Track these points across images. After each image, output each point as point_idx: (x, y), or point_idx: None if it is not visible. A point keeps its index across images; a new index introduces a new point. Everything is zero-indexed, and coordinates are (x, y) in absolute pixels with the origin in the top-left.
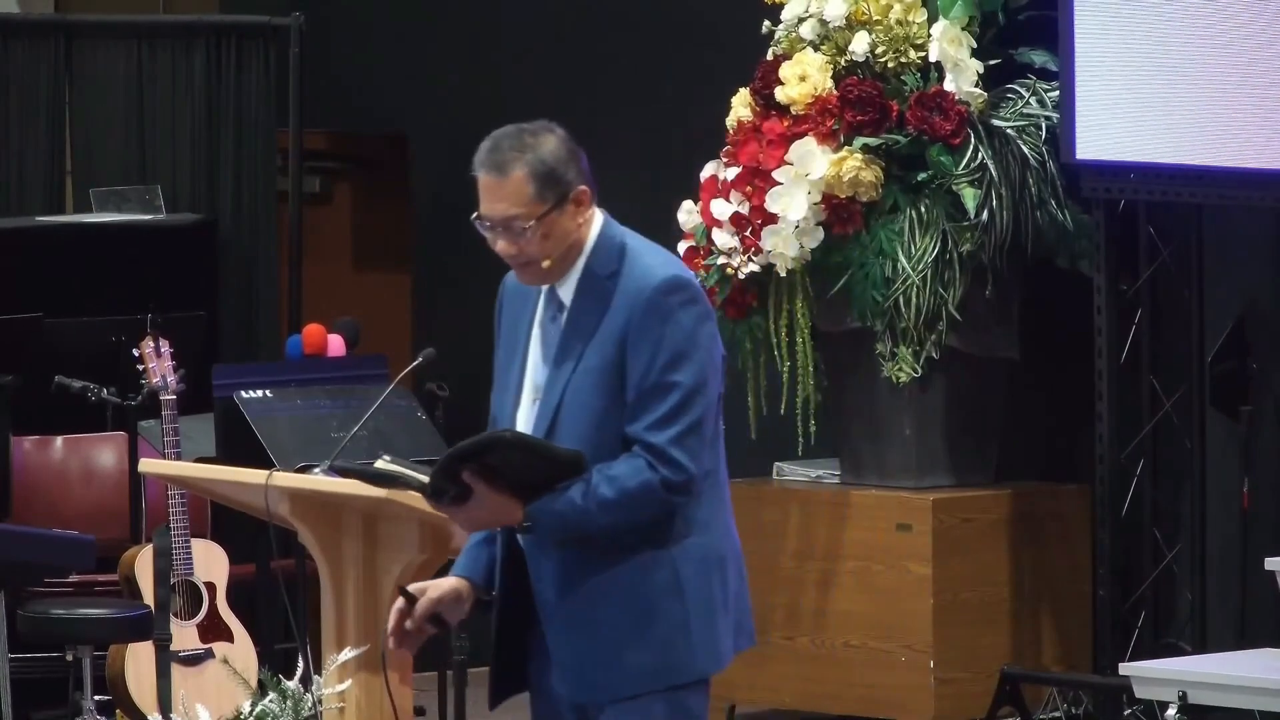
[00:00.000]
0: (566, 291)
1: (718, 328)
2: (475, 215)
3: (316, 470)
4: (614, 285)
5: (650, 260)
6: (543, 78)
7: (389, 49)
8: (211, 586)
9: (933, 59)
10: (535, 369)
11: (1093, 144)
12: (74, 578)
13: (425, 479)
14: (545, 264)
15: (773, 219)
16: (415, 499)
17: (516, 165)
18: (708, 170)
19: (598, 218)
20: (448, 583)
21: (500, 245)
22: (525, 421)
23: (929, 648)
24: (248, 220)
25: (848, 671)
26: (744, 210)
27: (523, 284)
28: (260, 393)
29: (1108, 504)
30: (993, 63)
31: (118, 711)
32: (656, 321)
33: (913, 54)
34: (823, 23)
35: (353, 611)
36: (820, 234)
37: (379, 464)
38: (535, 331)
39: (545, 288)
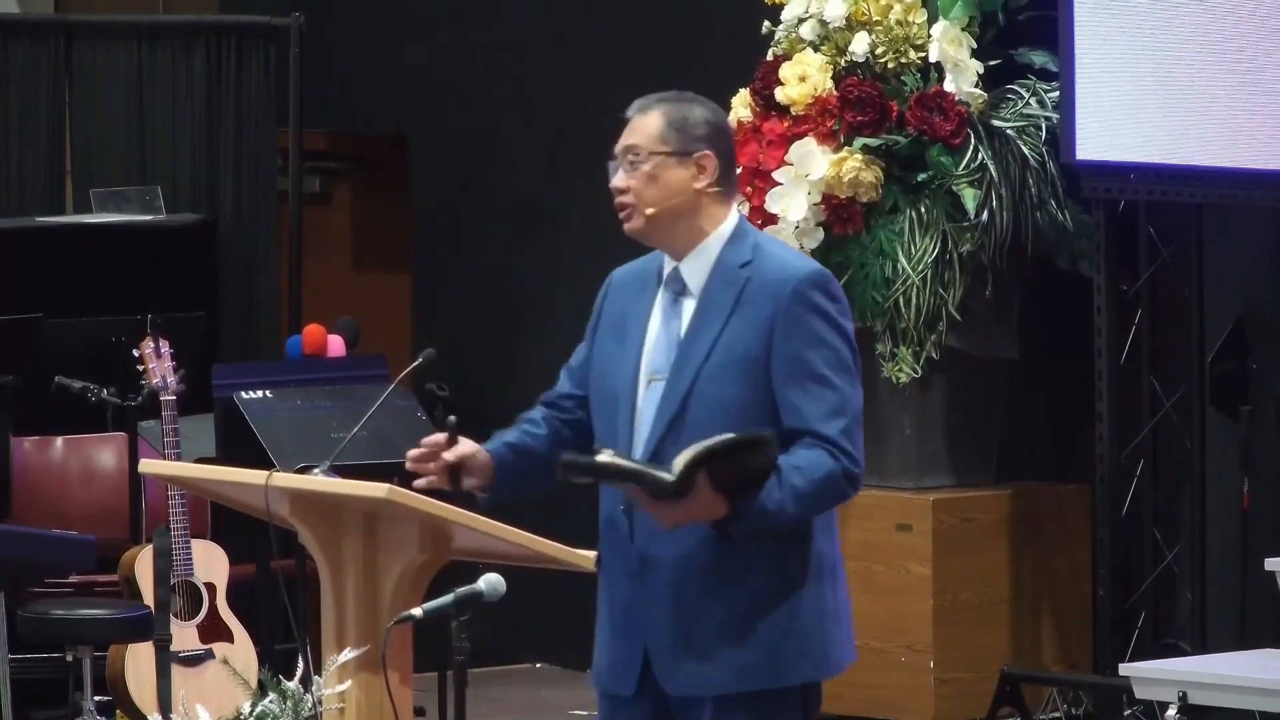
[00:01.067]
0: (694, 278)
1: None
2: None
3: (316, 470)
4: (747, 275)
5: (786, 255)
6: (543, 78)
7: (389, 49)
8: (211, 587)
9: (933, 59)
10: (654, 353)
11: (1093, 144)
12: (74, 578)
13: (667, 476)
14: (649, 210)
15: (773, 219)
16: (414, 498)
17: (657, 108)
18: None
19: (734, 214)
20: (483, 451)
21: (614, 180)
22: (646, 404)
23: (929, 648)
24: (248, 220)
25: (848, 671)
26: (744, 211)
27: (626, 231)
28: (260, 393)
29: (1108, 504)
30: (993, 63)
31: (118, 712)
32: (807, 313)
33: (913, 54)
34: (823, 23)
35: (353, 611)
36: (820, 234)
37: (601, 458)
38: (655, 315)
39: (667, 272)
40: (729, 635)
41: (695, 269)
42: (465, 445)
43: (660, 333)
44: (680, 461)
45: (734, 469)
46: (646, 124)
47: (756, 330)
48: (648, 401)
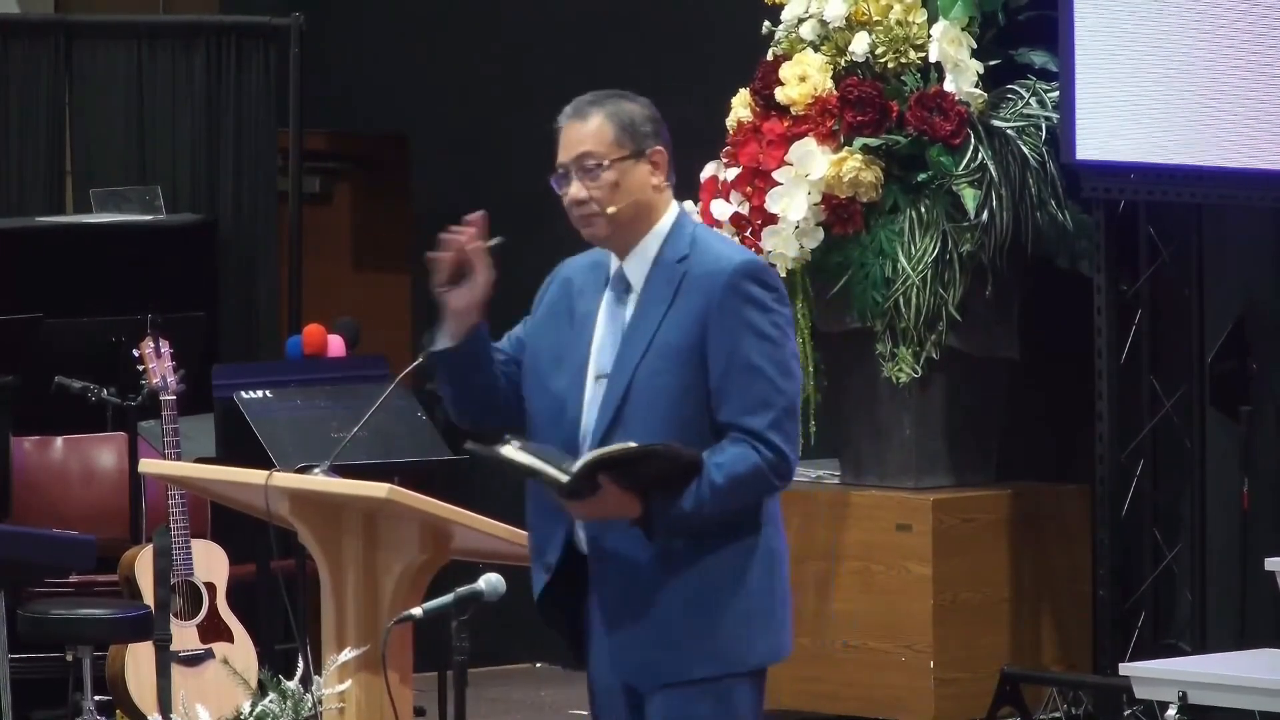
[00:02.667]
0: (636, 275)
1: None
2: (552, 174)
3: (316, 470)
4: (684, 269)
5: (722, 246)
6: (543, 78)
7: (389, 49)
8: (211, 587)
9: (933, 59)
10: (600, 352)
11: (1093, 144)
12: (74, 578)
13: (561, 476)
14: (611, 210)
15: (773, 219)
16: (414, 498)
17: (599, 112)
18: (708, 171)
19: (674, 207)
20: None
21: (571, 191)
22: (590, 402)
23: (929, 648)
24: (248, 220)
25: (848, 671)
26: (744, 211)
27: (586, 238)
28: (260, 393)
29: (1108, 504)
30: (993, 63)
31: (118, 712)
32: (739, 304)
33: (913, 54)
34: (823, 23)
35: (353, 611)
36: (820, 234)
37: (506, 450)
38: (601, 314)
39: (613, 271)
40: (685, 623)
41: (637, 267)
42: (485, 273)
43: (606, 332)
44: (578, 464)
45: (634, 475)
46: (595, 130)
47: (693, 321)
48: (593, 399)
